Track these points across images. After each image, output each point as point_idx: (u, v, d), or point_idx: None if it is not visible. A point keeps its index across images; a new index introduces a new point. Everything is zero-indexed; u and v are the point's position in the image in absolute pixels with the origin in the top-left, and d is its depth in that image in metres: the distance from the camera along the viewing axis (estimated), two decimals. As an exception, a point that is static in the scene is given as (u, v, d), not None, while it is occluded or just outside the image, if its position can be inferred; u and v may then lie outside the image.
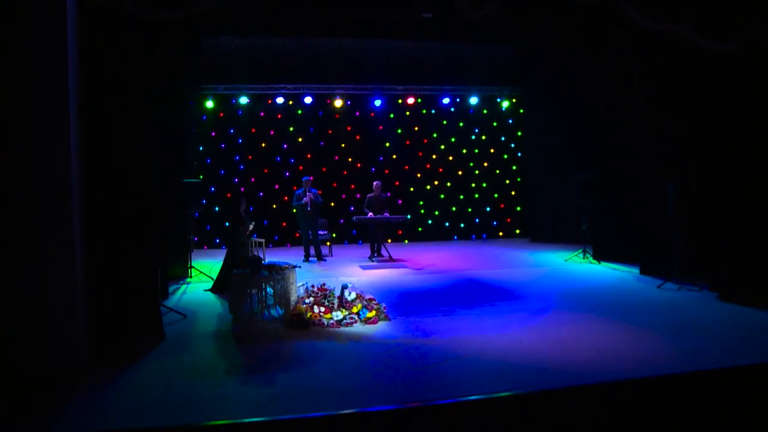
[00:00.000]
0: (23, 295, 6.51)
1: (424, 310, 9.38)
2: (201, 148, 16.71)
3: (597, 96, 13.89)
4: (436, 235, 18.28)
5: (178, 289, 11.20)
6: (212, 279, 11.95)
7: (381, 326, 8.46)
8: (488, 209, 18.71)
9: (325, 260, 14.44)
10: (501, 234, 18.78)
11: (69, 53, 6.65)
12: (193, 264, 12.45)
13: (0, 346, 6.48)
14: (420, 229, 18.05)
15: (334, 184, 17.18)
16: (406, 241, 17.76)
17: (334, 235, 15.83)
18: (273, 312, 8.84)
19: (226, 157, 17.08)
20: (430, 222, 18.29)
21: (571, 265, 13.47)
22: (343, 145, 17.65)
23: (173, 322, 8.67)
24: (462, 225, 18.52)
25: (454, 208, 18.44)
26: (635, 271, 12.27)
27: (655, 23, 9.34)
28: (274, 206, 17.13)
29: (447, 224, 18.43)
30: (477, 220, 18.64)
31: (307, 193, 14.03)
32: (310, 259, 14.30)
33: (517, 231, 18.85)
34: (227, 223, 14.76)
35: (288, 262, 9.26)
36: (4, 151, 6.45)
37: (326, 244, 15.14)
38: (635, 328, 8.16)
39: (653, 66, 11.50)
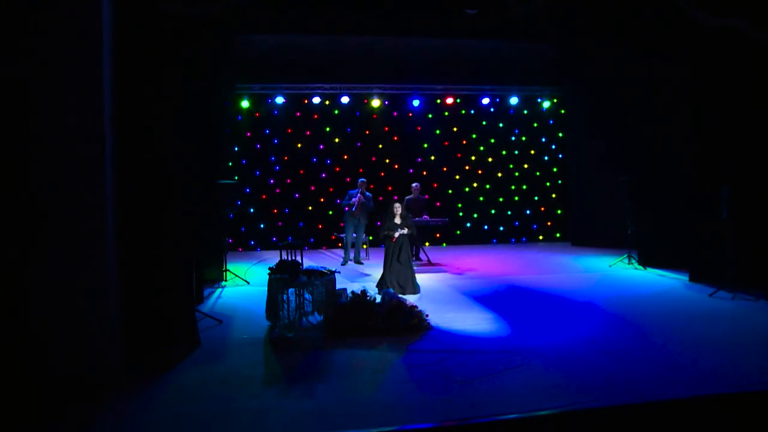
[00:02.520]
0: (57, 298, 6.29)
1: (466, 317, 9.03)
2: (236, 149, 16.49)
3: (642, 94, 13.43)
4: (475, 238, 17.85)
5: (212, 292, 10.95)
6: (246, 282, 11.73)
7: (423, 334, 8.14)
8: (528, 212, 18.24)
9: (363, 263, 14.14)
10: (541, 237, 18.31)
11: (104, 51, 6.42)
12: (228, 267, 12.18)
13: (34, 350, 6.26)
14: (458, 232, 17.63)
15: (372, 186, 16.69)
16: (444, 245, 17.36)
17: (370, 237, 15.51)
18: (311, 319, 8.56)
19: (262, 157, 16.83)
20: (468, 225, 17.87)
21: (617, 270, 13.03)
22: (380, 146, 17.30)
23: (208, 328, 8.41)
24: (501, 228, 18.08)
25: (493, 211, 18.00)
26: (684, 278, 11.78)
27: (713, 18, 8.89)
28: (310, 208, 16.87)
29: (486, 227, 17.99)
30: (516, 223, 18.18)
31: (357, 195, 13.79)
32: (349, 262, 14.04)
33: (558, 234, 18.35)
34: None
35: (325, 267, 8.99)
36: (36, 152, 6.23)
37: (363, 247, 14.82)
38: (692, 340, 7.72)
39: (704, 63, 11.03)
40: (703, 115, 11.37)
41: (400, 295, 9.51)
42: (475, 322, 8.79)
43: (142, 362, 6.88)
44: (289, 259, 8.86)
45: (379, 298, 8.88)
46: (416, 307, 8.71)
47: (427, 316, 8.59)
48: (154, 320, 7.06)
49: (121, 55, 6.90)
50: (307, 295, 8.39)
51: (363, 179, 14.29)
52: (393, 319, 8.31)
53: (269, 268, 8.63)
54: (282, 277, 8.34)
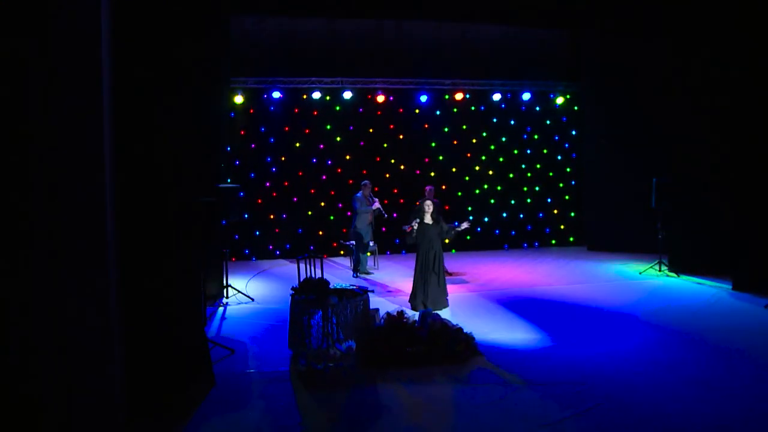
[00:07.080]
0: (47, 339, 4.87)
1: (512, 337, 8.03)
2: (228, 149, 15.06)
3: (672, 86, 12.51)
4: (486, 243, 16.63)
5: (214, 312, 9.62)
6: (251, 299, 10.43)
7: (474, 362, 7.07)
8: (541, 215, 17.10)
9: (372, 273, 12.95)
10: (553, 242, 17.17)
11: (102, 39, 5.09)
12: (230, 282, 10.83)
13: (21, 406, 4.87)
14: (468, 237, 16.36)
15: (376, 188, 15.52)
16: (453, 251, 16.08)
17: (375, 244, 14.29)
18: (338, 346, 7.31)
19: (257, 158, 15.48)
20: (479, 229, 16.66)
21: (649, 278, 12.08)
22: (385, 145, 16.01)
23: (221, 359, 7.14)
24: (513, 233, 16.91)
25: (504, 214, 16.84)
26: (726, 286, 10.94)
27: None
28: (310, 213, 15.57)
29: (497, 232, 16.81)
30: (529, 227, 17.03)
31: (375, 202, 12.76)
32: (359, 274, 12.77)
33: (571, 239, 17.23)
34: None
35: (358, 286, 7.89)
36: (25, 161, 4.85)
37: (367, 255, 13.57)
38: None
39: (747, 48, 10.09)
40: (751, 108, 10.55)
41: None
42: (524, 343, 7.82)
43: (151, 410, 5.55)
44: (311, 275, 7.62)
45: (417, 320, 7.65)
46: (462, 329, 7.53)
47: (474, 339, 7.43)
48: (163, 358, 5.73)
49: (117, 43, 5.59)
50: (333, 319, 7.16)
51: (366, 181, 13.23)
52: (437, 344, 7.19)
53: (292, 288, 7.38)
54: (308, 298, 7.08)
